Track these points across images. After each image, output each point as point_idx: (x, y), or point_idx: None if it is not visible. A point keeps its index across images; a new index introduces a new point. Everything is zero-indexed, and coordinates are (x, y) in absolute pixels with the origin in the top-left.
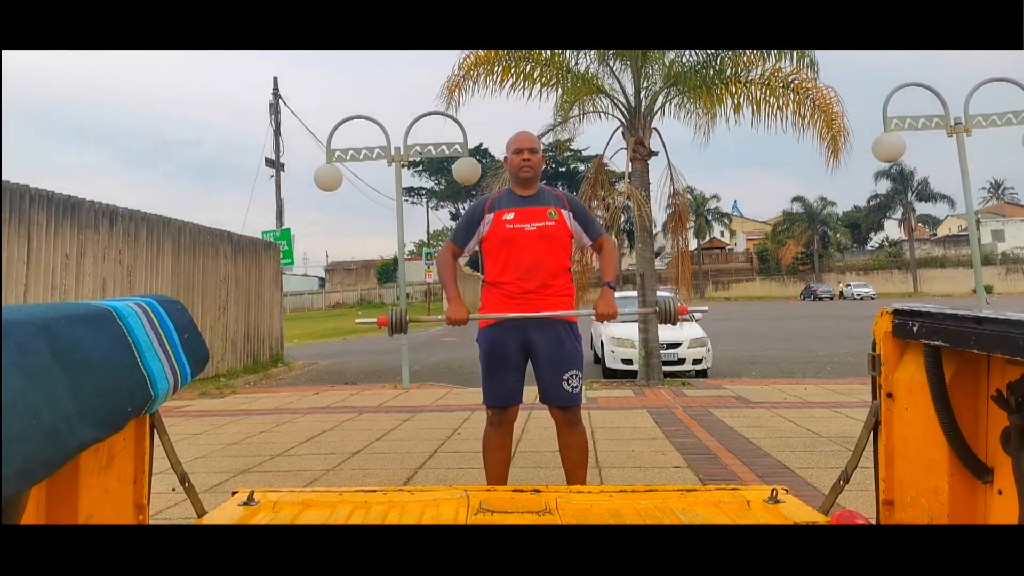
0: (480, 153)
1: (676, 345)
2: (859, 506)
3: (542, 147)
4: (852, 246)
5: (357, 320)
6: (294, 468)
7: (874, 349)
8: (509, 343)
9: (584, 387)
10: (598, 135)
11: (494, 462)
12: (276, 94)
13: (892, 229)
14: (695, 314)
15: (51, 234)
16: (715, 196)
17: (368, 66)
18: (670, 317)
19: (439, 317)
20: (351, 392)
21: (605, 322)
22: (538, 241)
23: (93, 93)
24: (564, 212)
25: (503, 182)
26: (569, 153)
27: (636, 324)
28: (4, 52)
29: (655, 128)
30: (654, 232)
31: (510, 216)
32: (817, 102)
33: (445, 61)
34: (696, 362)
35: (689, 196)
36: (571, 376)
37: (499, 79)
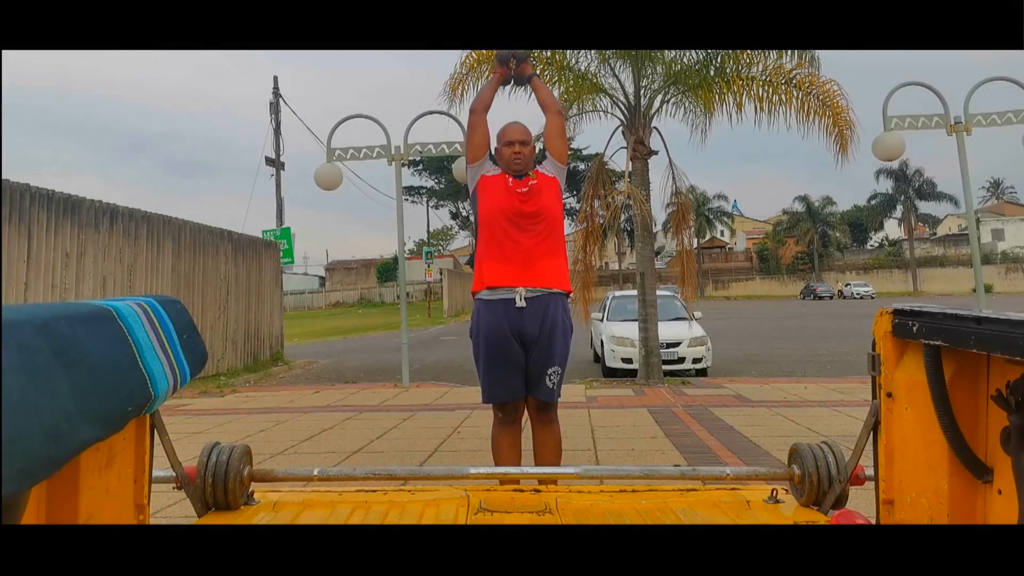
0: None
1: (676, 344)
2: (859, 506)
3: (533, 139)
4: (852, 245)
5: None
6: (294, 467)
7: (874, 349)
8: (509, 336)
9: (585, 386)
10: (598, 134)
11: (506, 462)
12: (276, 93)
13: (892, 228)
14: (695, 314)
15: (51, 233)
16: (720, 196)
17: (368, 65)
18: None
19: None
20: (351, 391)
21: (605, 320)
22: (531, 211)
23: (63, 83)
24: (538, 168)
25: None
26: (569, 152)
27: (636, 323)
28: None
29: (655, 127)
30: (654, 231)
31: (504, 178)
32: (821, 97)
33: (446, 60)
34: (696, 361)
35: (691, 196)
36: (552, 373)
37: None
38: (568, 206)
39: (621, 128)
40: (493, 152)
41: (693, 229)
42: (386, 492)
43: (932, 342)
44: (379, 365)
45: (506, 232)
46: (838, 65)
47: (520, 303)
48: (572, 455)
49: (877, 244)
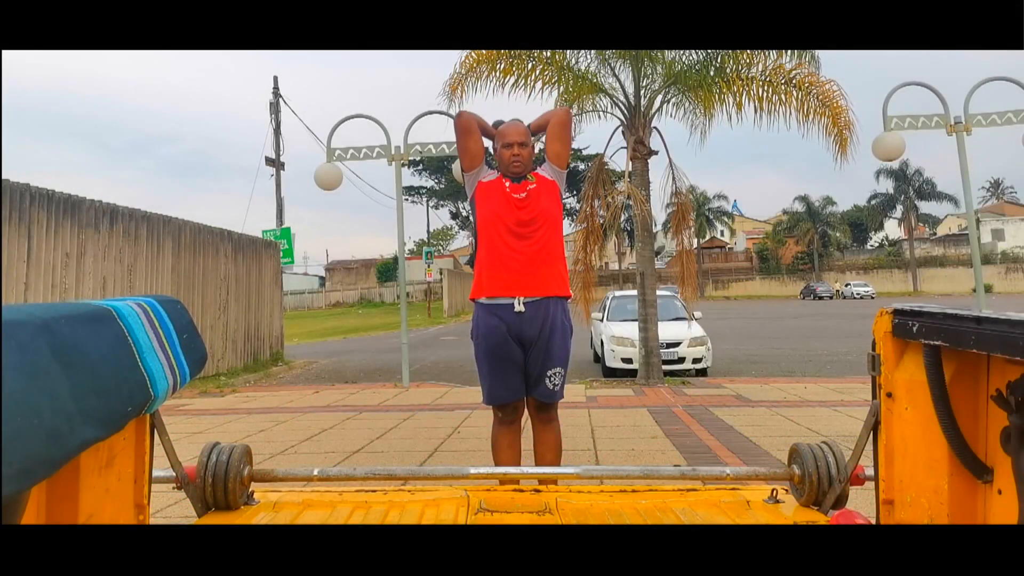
0: None
1: (676, 344)
2: (859, 506)
3: (532, 140)
4: (852, 245)
5: None
6: (294, 467)
7: (874, 349)
8: (508, 338)
9: (585, 386)
10: (598, 134)
11: (506, 462)
12: (276, 93)
13: (892, 228)
14: (695, 314)
15: (51, 233)
16: (720, 196)
17: (368, 65)
18: None
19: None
20: (351, 391)
21: (605, 321)
22: (529, 218)
23: (64, 84)
24: (538, 171)
25: None
26: (570, 152)
27: (636, 323)
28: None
29: (655, 127)
30: (654, 231)
31: (501, 183)
32: (821, 97)
33: (446, 60)
34: (696, 361)
35: (691, 196)
36: (554, 374)
37: (501, 76)
38: (568, 206)
39: (621, 128)
40: (492, 151)
41: (693, 229)
42: (386, 492)
43: (932, 342)
44: (379, 365)
45: (504, 241)
46: (838, 65)
47: (519, 307)
48: (572, 455)
49: (877, 244)
